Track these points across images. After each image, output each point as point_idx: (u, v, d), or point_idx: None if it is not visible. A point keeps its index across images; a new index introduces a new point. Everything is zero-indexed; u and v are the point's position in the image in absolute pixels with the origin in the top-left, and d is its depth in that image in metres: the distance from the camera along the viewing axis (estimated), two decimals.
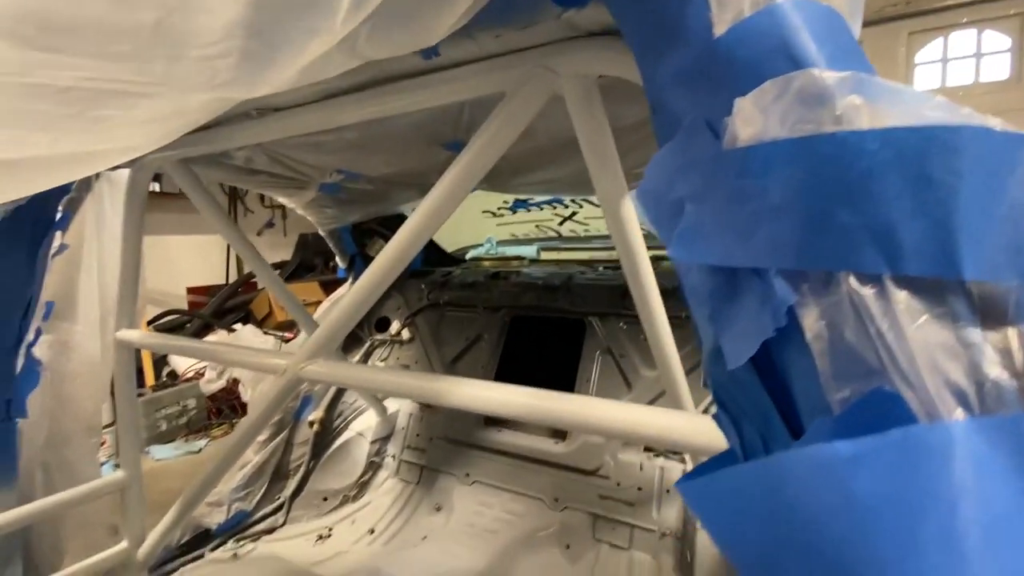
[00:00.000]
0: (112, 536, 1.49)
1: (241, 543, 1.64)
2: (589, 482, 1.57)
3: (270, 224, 6.19)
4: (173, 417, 3.46)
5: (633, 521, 1.46)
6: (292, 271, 5.33)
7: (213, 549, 1.63)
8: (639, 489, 1.49)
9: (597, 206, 2.53)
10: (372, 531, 1.69)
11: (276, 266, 5.32)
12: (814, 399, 0.30)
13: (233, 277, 5.62)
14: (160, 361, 4.06)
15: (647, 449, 1.54)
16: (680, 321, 1.21)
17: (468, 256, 2.64)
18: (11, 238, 1.26)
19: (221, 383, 3.78)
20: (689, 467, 1.43)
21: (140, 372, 3.78)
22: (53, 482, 1.44)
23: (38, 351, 1.34)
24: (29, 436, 1.39)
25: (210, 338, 4.30)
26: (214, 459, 1.17)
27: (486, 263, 2.45)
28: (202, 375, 3.83)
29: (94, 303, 1.61)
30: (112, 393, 1.42)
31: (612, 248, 2.54)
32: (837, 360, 0.30)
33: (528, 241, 2.82)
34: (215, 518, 1.71)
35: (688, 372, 1.15)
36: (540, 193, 2.36)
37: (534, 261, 2.52)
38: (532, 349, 1.91)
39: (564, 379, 1.76)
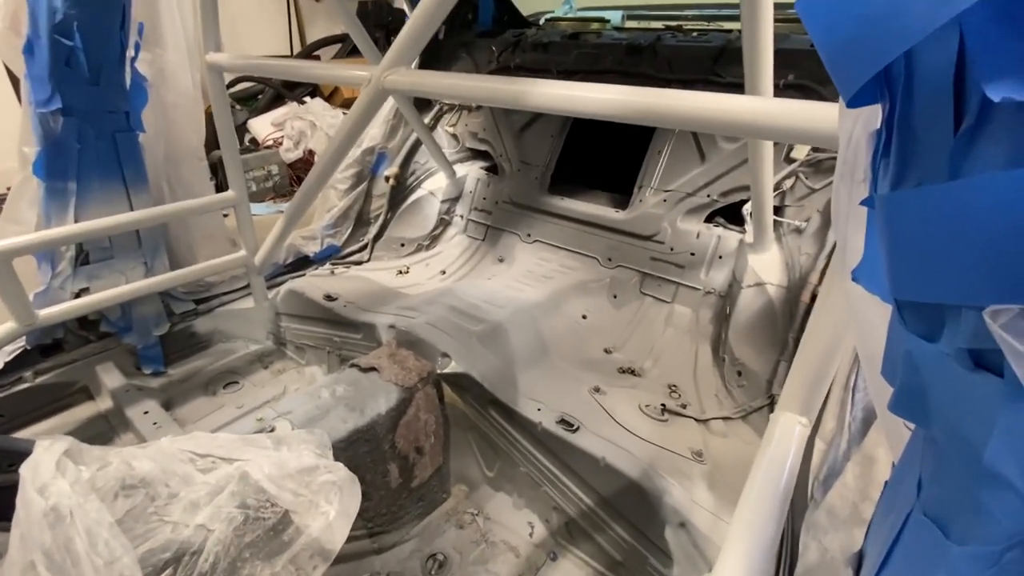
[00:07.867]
0: (232, 247, 1.78)
1: (335, 268, 1.93)
2: (643, 246, 1.65)
3: None
4: (260, 180, 3.77)
5: (680, 280, 1.58)
6: (353, 46, 5.07)
7: (313, 270, 1.93)
8: (691, 254, 1.57)
9: None
10: (444, 272, 1.92)
11: (337, 39, 5.06)
12: None
13: (297, 48, 5.44)
14: (240, 128, 4.26)
15: (708, 220, 1.57)
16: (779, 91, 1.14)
17: (543, 20, 2.38)
18: None
19: (298, 153, 3.98)
20: (748, 238, 1.46)
21: None
22: (176, 195, 1.68)
23: (140, 67, 1.43)
24: (150, 152, 1.57)
25: (281, 110, 4.39)
26: (313, 173, 1.31)
27: (563, 24, 2.22)
28: (280, 144, 4.03)
29: (180, 34, 1.64)
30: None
31: (712, 18, 2.20)
32: None
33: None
34: (311, 248, 1.99)
35: None
36: None
37: (618, 28, 2.25)
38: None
39: (637, 149, 1.73)
